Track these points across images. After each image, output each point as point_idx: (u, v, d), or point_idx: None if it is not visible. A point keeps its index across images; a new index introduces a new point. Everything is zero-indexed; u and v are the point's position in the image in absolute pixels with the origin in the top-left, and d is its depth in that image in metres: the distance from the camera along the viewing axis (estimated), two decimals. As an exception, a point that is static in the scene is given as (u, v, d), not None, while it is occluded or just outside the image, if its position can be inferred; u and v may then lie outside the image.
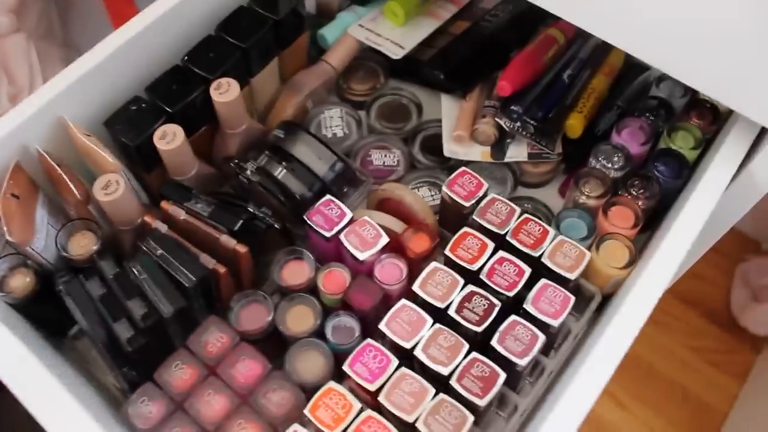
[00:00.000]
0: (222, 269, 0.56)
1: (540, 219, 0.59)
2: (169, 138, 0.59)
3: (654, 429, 1.22)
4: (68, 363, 0.60)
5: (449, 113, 0.74)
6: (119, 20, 1.17)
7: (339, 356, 0.55)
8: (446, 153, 0.71)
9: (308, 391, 0.53)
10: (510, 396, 0.57)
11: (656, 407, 1.24)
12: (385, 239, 0.57)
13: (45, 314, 0.60)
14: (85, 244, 0.58)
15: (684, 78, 0.56)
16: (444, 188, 0.61)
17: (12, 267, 0.57)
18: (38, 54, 1.00)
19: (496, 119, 0.71)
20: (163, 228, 0.57)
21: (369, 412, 0.50)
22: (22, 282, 0.57)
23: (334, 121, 0.74)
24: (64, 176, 0.56)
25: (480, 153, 0.71)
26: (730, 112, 0.67)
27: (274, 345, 0.58)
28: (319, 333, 0.56)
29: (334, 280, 0.58)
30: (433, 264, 0.56)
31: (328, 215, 0.58)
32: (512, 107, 0.70)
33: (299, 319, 0.57)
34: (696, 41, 0.52)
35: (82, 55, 1.12)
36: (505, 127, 0.70)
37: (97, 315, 0.55)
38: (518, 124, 0.70)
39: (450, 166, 0.73)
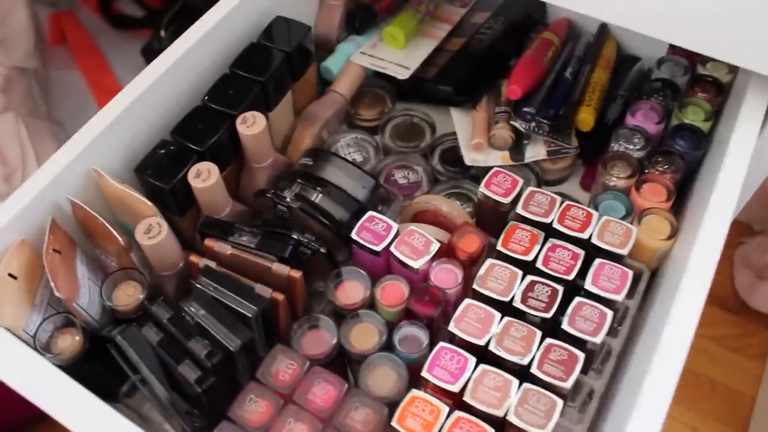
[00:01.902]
0: (280, 297, 0.55)
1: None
2: (204, 175, 0.58)
3: (689, 423, 1.21)
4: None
5: (461, 125, 0.75)
6: (100, 91, 1.17)
7: (409, 367, 0.54)
8: (467, 162, 0.72)
9: (386, 406, 0.52)
10: (583, 381, 0.56)
11: (688, 403, 1.23)
12: (436, 244, 0.57)
13: (93, 375, 0.57)
14: (131, 293, 0.56)
15: (690, 45, 0.58)
16: (481, 189, 0.62)
17: (58, 327, 0.56)
18: (27, 131, 0.99)
19: (511, 122, 0.72)
20: (212, 264, 0.56)
21: (458, 413, 0.49)
22: (70, 342, 0.55)
23: (351, 147, 0.74)
24: (107, 225, 0.55)
25: (500, 158, 0.73)
26: (731, 83, 0.70)
27: (335, 368, 0.56)
28: (386, 347, 0.55)
29: (392, 293, 0.57)
30: (489, 261, 0.56)
31: (375, 230, 0.58)
32: (525, 109, 0.71)
33: (363, 336, 0.56)
34: (698, 6, 0.55)
35: (67, 129, 1.11)
36: (521, 129, 0.72)
37: (158, 361, 0.53)
38: (533, 124, 0.72)
39: (472, 174, 0.74)
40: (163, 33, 1.08)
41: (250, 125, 0.61)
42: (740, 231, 1.37)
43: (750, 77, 0.61)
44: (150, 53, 1.11)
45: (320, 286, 0.64)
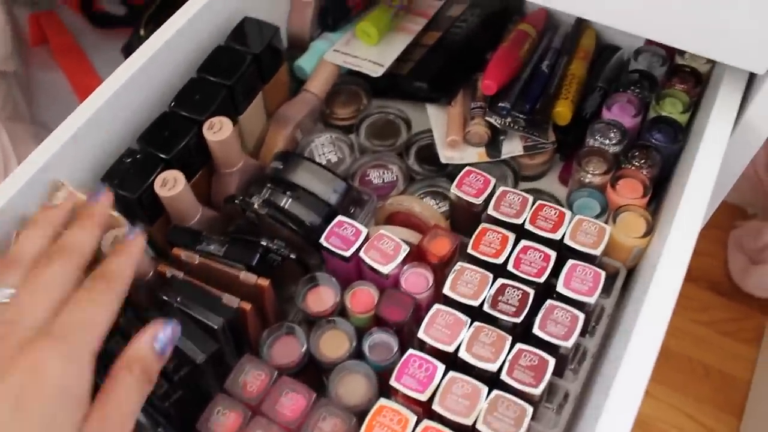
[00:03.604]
0: (248, 306, 0.54)
1: (551, 205, 0.59)
2: (171, 184, 0.58)
3: (683, 410, 1.21)
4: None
5: (437, 122, 0.74)
6: (83, 91, 1.16)
7: (380, 374, 0.54)
8: (443, 159, 0.71)
9: (356, 415, 0.51)
10: (558, 383, 0.56)
11: (681, 388, 1.23)
12: (405, 248, 0.56)
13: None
14: (100, 306, 0.56)
15: (665, 39, 0.57)
16: (453, 190, 0.61)
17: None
18: (8, 135, 0.98)
19: (486, 118, 0.71)
20: (179, 275, 0.56)
21: (426, 422, 0.49)
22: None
23: (325, 147, 0.73)
24: (70, 239, 0.54)
25: (476, 154, 0.71)
26: (710, 73, 0.69)
27: (309, 376, 0.56)
28: (356, 355, 0.55)
29: (362, 299, 0.56)
30: (459, 264, 0.56)
31: (344, 235, 0.58)
32: (500, 104, 0.70)
33: (333, 344, 0.55)
34: (672, 1, 0.54)
35: (52, 131, 1.10)
36: (497, 125, 0.71)
37: (126, 375, 0.53)
38: (509, 119, 0.70)
39: (448, 172, 0.73)
40: (142, 32, 1.07)
41: (217, 131, 0.60)
42: (734, 214, 1.36)
43: (726, 67, 0.60)
44: (130, 52, 1.09)
45: (294, 291, 0.63)
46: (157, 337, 0.43)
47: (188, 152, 0.61)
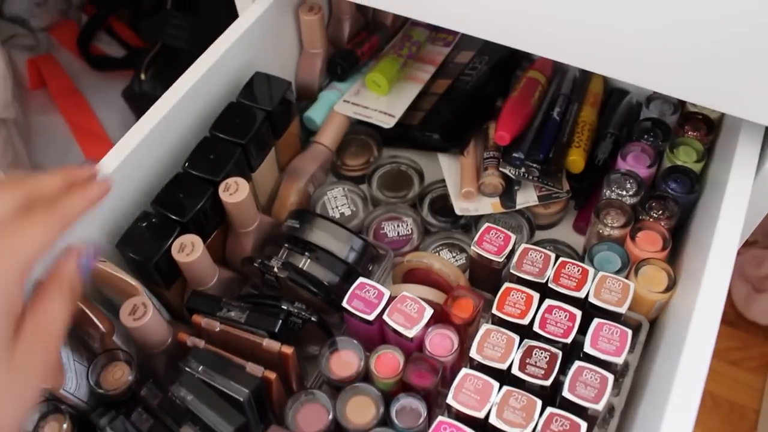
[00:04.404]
0: (272, 375, 0.53)
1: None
2: (188, 249, 0.57)
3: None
4: None
5: (450, 171, 0.74)
6: (82, 134, 1.15)
7: (408, 440, 0.53)
8: (458, 211, 0.71)
9: (386, 485, 0.50)
10: (588, 445, 0.55)
11: (690, 419, 1.22)
12: (429, 311, 0.56)
13: (84, 461, 0.56)
14: (119, 376, 0.55)
15: (680, 94, 0.57)
16: (473, 247, 0.60)
17: (43, 415, 0.54)
18: (9, 185, 0.97)
19: (500, 169, 0.71)
20: (200, 344, 0.55)
21: (460, 494, 0.48)
22: (57, 430, 0.53)
23: (338, 200, 0.73)
24: (87, 311, 0.54)
25: (491, 205, 0.71)
26: (721, 119, 0.69)
27: (336, 441, 0.55)
28: (384, 421, 0.54)
29: (387, 363, 0.55)
30: (485, 326, 0.55)
31: (366, 298, 0.57)
32: (514, 154, 0.70)
33: (360, 410, 0.54)
34: (684, 55, 0.53)
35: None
36: (511, 175, 0.70)
37: (150, 450, 0.52)
38: (522, 169, 0.70)
39: (463, 224, 0.72)
40: (143, 76, 1.06)
41: (233, 192, 0.60)
42: (735, 242, 1.37)
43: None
44: (130, 96, 1.10)
45: (314, 350, 0.62)
46: (82, 255, 0.43)
47: (204, 215, 0.60)
